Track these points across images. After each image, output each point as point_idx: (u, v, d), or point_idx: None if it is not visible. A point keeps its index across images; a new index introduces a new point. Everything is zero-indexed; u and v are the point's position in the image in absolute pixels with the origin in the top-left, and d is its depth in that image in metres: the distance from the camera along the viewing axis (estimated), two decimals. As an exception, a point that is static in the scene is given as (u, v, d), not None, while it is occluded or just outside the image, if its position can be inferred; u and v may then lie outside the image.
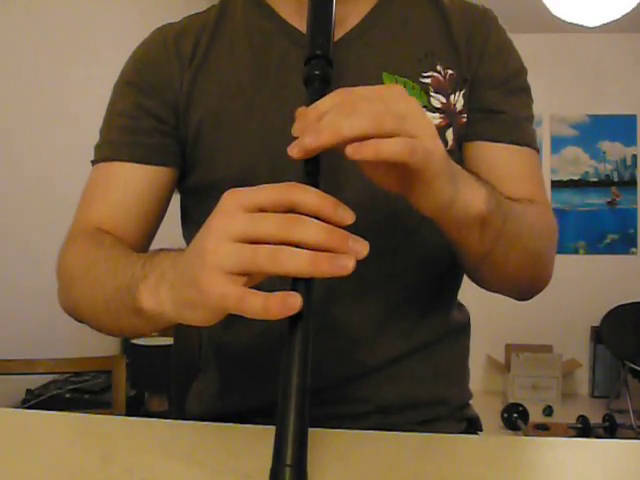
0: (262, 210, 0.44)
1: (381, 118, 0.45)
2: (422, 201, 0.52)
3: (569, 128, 3.95)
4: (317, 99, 0.48)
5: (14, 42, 2.05)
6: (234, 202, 0.45)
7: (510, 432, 3.02)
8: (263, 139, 0.71)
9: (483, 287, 0.72)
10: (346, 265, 0.41)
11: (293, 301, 0.41)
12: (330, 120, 0.45)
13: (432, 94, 0.72)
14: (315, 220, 0.43)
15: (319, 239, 0.42)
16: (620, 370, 3.46)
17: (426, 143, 0.47)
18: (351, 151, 0.44)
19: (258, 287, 0.44)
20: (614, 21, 2.63)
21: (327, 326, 0.70)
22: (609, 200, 3.93)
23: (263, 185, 0.45)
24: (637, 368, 3.23)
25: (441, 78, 0.73)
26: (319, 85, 0.54)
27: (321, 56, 0.55)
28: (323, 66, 0.55)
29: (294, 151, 0.46)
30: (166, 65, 0.74)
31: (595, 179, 3.95)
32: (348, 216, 0.44)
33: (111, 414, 1.45)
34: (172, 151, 0.74)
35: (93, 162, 0.76)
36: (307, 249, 0.42)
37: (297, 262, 0.41)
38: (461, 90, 0.73)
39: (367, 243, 0.43)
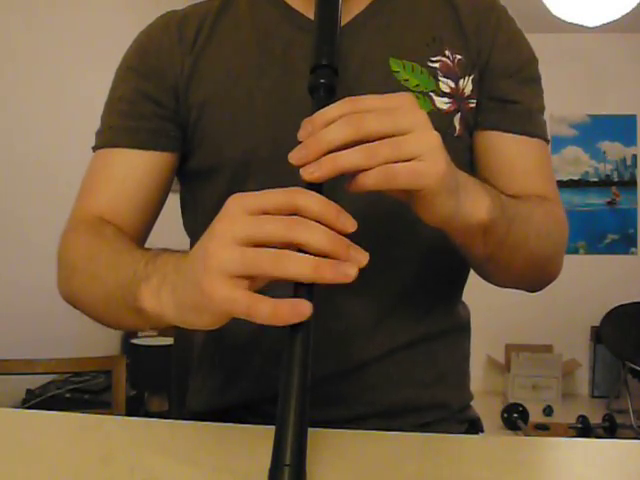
0: (266, 214, 0.44)
1: (377, 151, 0.46)
2: (422, 213, 0.52)
3: (569, 128, 3.94)
4: (322, 108, 0.48)
5: (14, 41, 2.05)
6: (238, 206, 0.45)
7: (510, 432, 3.02)
8: (266, 123, 0.71)
9: (490, 283, 0.72)
10: (349, 273, 0.42)
11: (303, 308, 0.42)
12: (332, 137, 0.46)
13: (441, 78, 0.72)
14: (318, 224, 0.43)
15: (321, 243, 0.42)
16: (620, 370, 3.46)
17: (424, 166, 0.47)
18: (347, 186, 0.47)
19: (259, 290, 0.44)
20: (614, 21, 2.63)
21: (327, 315, 0.70)
22: (609, 200, 3.93)
23: (267, 190, 0.45)
24: (637, 368, 3.23)
25: (450, 62, 0.72)
26: (324, 94, 0.54)
27: (327, 65, 0.55)
28: (329, 75, 0.54)
29: (294, 159, 0.47)
30: (168, 49, 0.74)
31: (595, 179, 3.94)
32: (350, 224, 0.44)
33: (111, 414, 1.45)
34: (172, 136, 0.74)
35: (94, 148, 0.76)
36: (309, 253, 0.42)
37: (300, 267, 0.41)
38: (470, 75, 0.73)
39: (367, 254, 0.43)
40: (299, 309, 0.42)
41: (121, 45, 0.80)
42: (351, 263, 0.42)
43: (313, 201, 0.44)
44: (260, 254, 0.42)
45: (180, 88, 0.73)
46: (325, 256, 0.43)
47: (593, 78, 3.86)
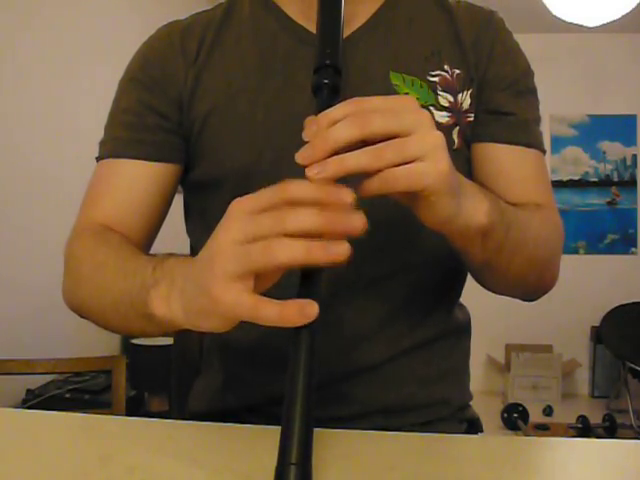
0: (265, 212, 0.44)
1: (382, 152, 0.46)
2: (424, 214, 0.52)
3: (569, 128, 3.95)
4: (325, 108, 0.48)
5: (16, 41, 2.05)
6: (238, 209, 0.45)
7: (510, 432, 3.02)
8: (267, 135, 0.71)
9: (487, 289, 0.72)
10: (340, 252, 0.42)
11: (310, 309, 0.42)
12: (339, 134, 0.46)
13: (440, 92, 0.72)
14: (304, 207, 0.43)
15: (312, 223, 0.42)
16: (620, 370, 3.46)
17: (427, 166, 0.47)
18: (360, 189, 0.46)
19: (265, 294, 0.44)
20: (614, 21, 2.63)
21: (329, 322, 0.70)
22: (609, 200, 3.93)
23: (262, 189, 0.45)
24: (637, 368, 3.23)
25: (449, 77, 0.73)
26: (328, 94, 0.54)
27: (330, 66, 0.55)
28: (332, 75, 0.54)
29: (300, 158, 0.47)
30: (171, 61, 0.74)
31: (595, 179, 3.95)
32: (346, 193, 0.44)
33: (111, 414, 1.45)
34: (176, 148, 0.74)
35: (97, 158, 0.76)
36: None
37: (291, 251, 0.42)
38: (468, 89, 0.74)
39: (363, 216, 0.43)
40: (306, 310, 0.42)
41: (124, 46, 0.81)
42: (342, 242, 0.42)
43: (304, 187, 0.44)
44: (252, 247, 0.43)
45: (183, 100, 0.74)
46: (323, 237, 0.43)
47: (593, 78, 3.87)
